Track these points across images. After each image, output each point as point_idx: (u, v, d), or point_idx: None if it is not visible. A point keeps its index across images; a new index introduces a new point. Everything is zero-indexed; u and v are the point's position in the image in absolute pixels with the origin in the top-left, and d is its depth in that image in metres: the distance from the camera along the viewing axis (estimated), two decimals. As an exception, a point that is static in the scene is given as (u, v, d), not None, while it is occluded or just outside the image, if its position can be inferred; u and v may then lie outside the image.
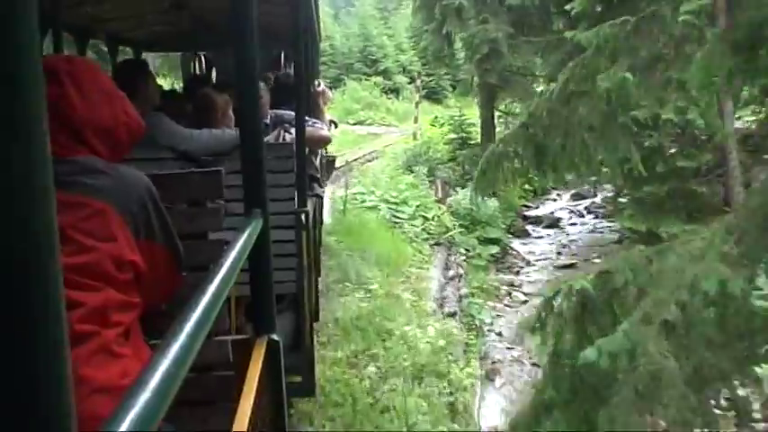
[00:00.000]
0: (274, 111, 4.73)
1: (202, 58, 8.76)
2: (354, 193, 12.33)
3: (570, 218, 16.12)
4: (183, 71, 9.75)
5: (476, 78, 16.37)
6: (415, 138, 20.27)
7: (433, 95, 32.83)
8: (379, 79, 32.19)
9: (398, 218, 11.77)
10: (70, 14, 6.62)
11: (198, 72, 8.40)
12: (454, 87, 36.90)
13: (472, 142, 17.90)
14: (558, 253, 13.13)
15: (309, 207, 4.08)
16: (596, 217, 15.95)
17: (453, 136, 19.02)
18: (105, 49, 7.44)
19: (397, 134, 23.40)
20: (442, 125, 21.24)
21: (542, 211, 16.88)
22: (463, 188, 13.60)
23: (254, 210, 1.74)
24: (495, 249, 12.30)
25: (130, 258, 1.55)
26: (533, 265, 12.33)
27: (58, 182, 1.41)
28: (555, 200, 18.10)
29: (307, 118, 4.81)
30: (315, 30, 7.36)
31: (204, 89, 4.44)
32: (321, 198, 4.64)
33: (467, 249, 11.67)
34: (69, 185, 1.48)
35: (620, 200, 13.40)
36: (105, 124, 1.61)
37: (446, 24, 15.42)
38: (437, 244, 11.32)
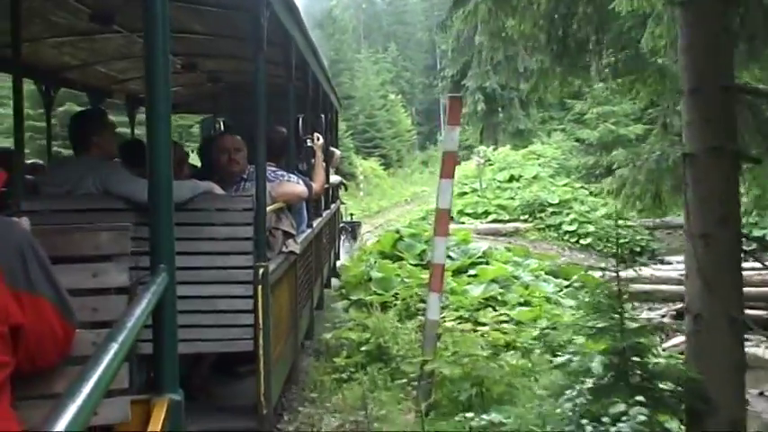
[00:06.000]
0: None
1: (221, 122, 9.05)
2: None
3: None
4: (201, 133, 10.18)
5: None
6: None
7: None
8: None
9: None
10: (84, 74, 6.38)
11: (214, 134, 8.51)
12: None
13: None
14: None
15: (275, 264, 4.03)
16: None
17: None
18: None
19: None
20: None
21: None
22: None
23: (159, 266, 1.73)
24: None
25: (5, 309, 1.49)
26: None
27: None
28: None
29: (283, 173, 4.92)
30: (320, 99, 7.45)
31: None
32: (295, 254, 4.65)
33: None
34: None
35: None
36: None
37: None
38: None
